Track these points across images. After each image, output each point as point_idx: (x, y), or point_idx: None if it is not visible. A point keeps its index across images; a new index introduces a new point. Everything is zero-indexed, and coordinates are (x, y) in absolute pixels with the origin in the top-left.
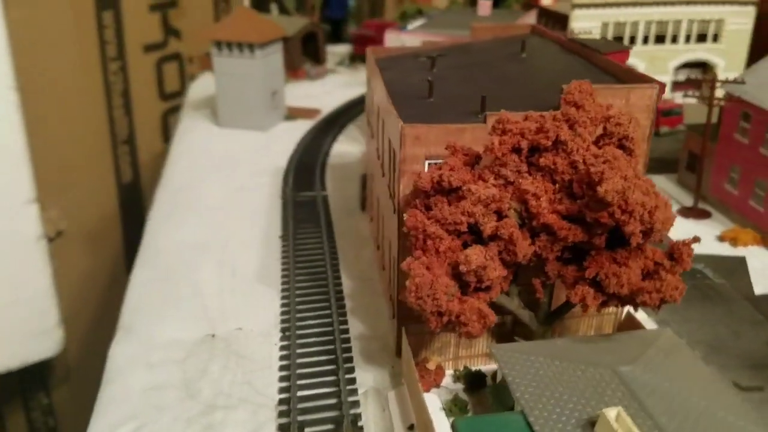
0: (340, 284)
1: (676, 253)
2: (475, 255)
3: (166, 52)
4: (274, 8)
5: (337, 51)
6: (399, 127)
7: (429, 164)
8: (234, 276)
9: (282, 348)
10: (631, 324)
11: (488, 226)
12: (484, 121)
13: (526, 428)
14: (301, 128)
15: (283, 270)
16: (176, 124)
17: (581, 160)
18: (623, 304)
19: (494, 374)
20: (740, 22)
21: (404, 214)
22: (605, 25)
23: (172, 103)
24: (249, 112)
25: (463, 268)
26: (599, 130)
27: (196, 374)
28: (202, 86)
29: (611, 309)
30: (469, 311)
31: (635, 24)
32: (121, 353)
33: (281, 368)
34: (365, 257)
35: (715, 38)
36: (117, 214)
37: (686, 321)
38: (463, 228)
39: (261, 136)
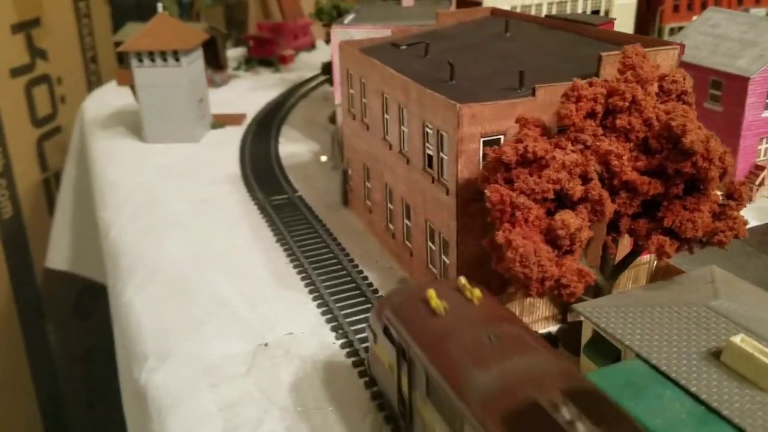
0: (366, 277)
1: (736, 192)
2: (572, 218)
3: (34, 74)
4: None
5: (229, 55)
6: (456, 108)
7: (483, 142)
8: (251, 283)
9: (343, 345)
10: (667, 271)
11: (576, 189)
12: (533, 95)
13: (653, 371)
14: (233, 135)
15: (298, 272)
16: (79, 146)
17: (654, 117)
18: (691, 248)
19: (558, 334)
20: None
21: (484, 191)
22: (514, 8)
23: (45, 129)
24: (179, 123)
25: (561, 232)
26: (655, 89)
27: (269, 384)
28: (97, 103)
29: (644, 260)
30: (569, 273)
31: (539, 6)
32: (168, 380)
33: (355, 364)
34: (373, 249)
35: (607, 13)
36: (0, 253)
37: (701, 263)
38: (550, 195)
39: (196, 147)
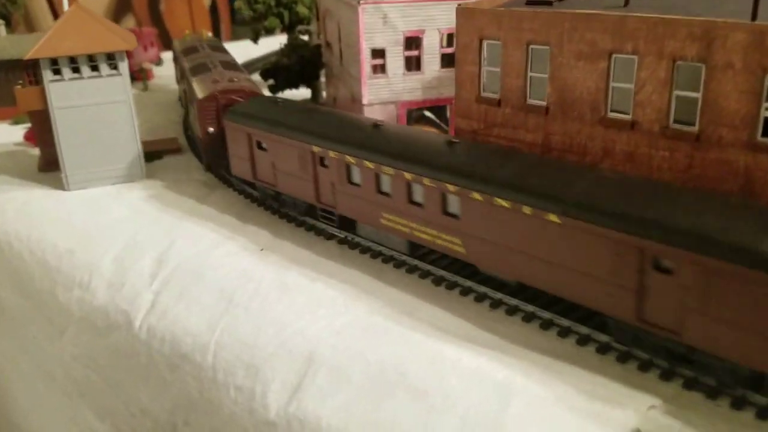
0: None
1: None
2: None
3: None
4: (1, 27)
5: None
6: None
7: None
8: (470, 340)
9: None
10: None
11: None
12: None
13: None
14: (182, 164)
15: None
16: None
17: None
18: None
19: None
20: None
21: None
22: None
23: None
24: (118, 157)
25: None
26: None
27: None
28: None
29: None
30: None
31: None
32: None
33: None
34: None
35: None
36: None
37: None
38: None
39: (152, 185)
